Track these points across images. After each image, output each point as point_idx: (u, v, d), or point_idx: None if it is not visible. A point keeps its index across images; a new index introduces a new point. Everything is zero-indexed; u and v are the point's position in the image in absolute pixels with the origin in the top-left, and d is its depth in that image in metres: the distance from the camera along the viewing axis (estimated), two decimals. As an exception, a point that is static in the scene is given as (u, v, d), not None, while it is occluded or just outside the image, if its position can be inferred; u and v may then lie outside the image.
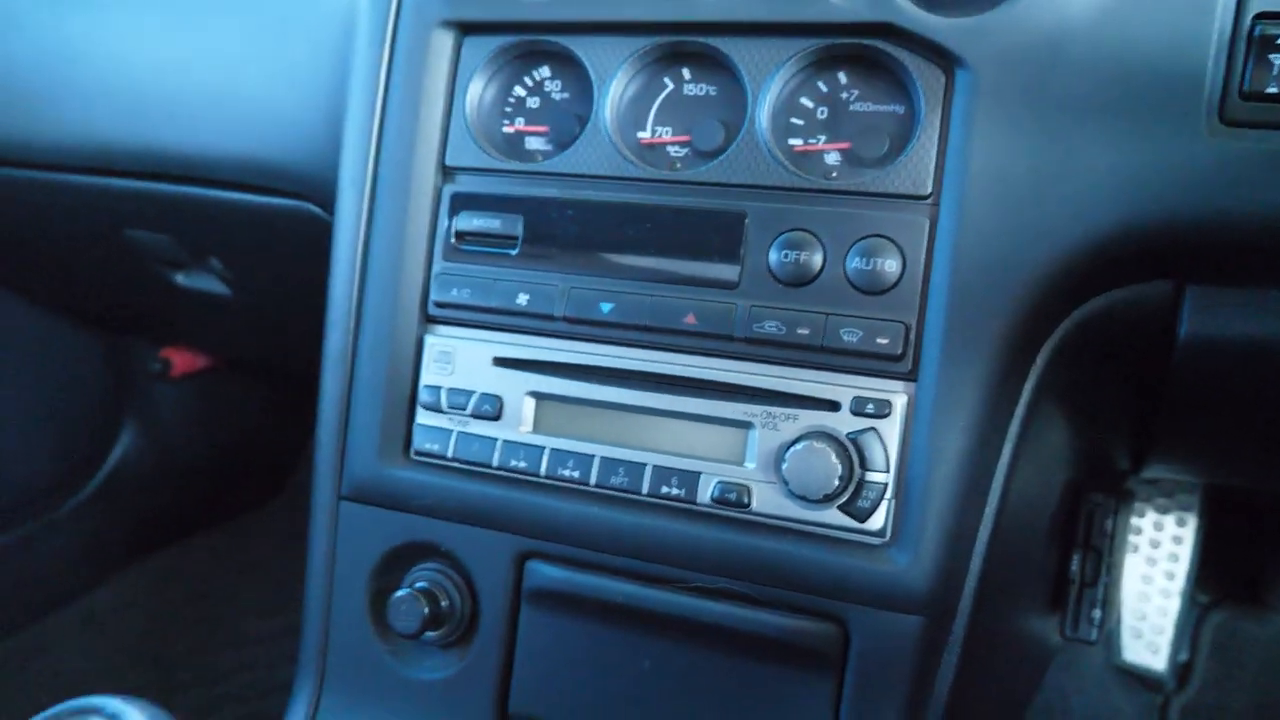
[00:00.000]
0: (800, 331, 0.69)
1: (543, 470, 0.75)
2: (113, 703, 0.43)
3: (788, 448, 0.69)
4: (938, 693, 0.70)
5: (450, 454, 0.77)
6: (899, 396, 0.68)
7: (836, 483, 0.67)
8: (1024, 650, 1.10)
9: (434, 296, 0.79)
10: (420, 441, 0.79)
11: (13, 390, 1.50)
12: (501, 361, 0.77)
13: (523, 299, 0.75)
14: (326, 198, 0.84)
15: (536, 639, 0.76)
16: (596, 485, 0.73)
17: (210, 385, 1.72)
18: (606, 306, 0.73)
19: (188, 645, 1.58)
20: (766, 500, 0.70)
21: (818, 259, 0.69)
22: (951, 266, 0.66)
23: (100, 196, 1.05)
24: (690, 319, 0.71)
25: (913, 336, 0.67)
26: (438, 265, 0.79)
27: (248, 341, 1.54)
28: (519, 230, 0.76)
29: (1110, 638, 1.30)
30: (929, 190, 0.67)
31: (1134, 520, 1.33)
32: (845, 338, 0.68)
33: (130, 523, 1.66)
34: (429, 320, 0.79)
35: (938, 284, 0.66)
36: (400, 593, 0.77)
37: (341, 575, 0.81)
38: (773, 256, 0.69)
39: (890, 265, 0.67)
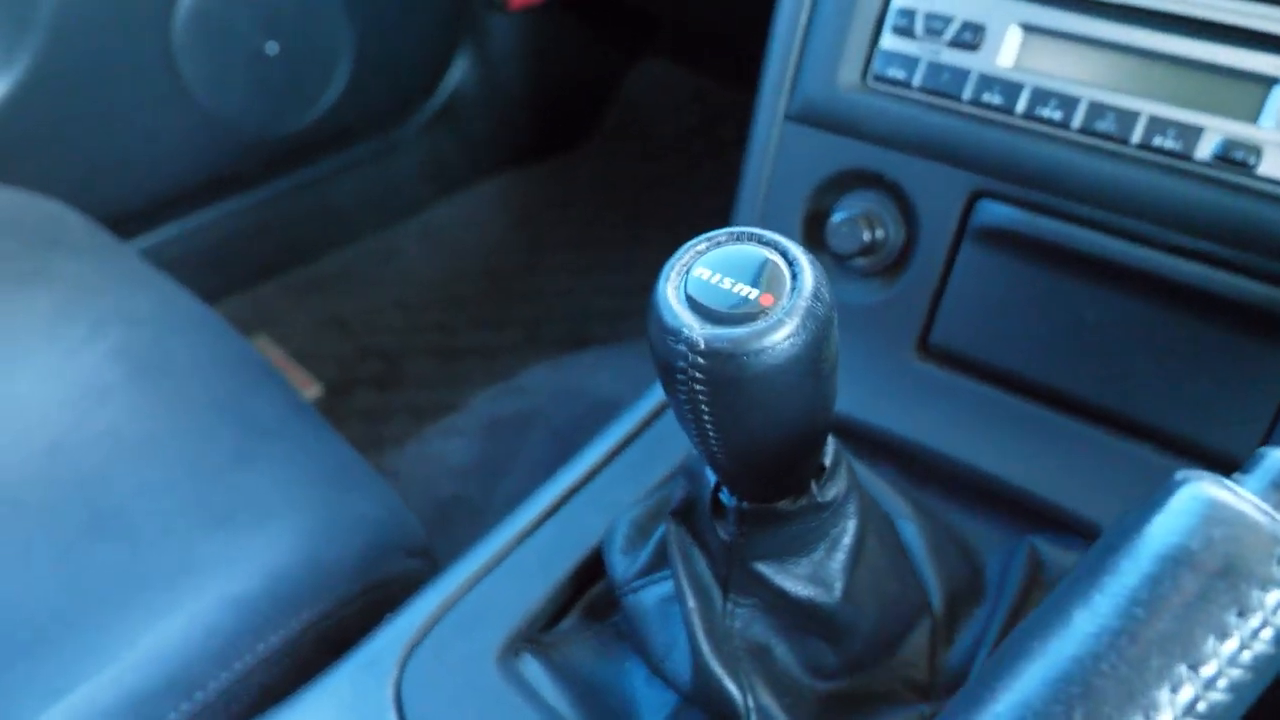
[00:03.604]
0: (1378, -24, 0.61)
1: (1019, 108, 0.72)
2: (764, 232, 0.46)
3: (1325, 108, 0.63)
4: None
5: (916, 82, 0.76)
6: None
7: (1381, 150, 0.62)
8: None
9: (924, -92, 0.74)
10: (883, 67, 0.77)
11: (365, 15, 1.57)
12: (995, -14, 0.73)
13: (1036, -85, 0.70)
14: None
15: (972, 277, 0.77)
16: (1079, 129, 0.71)
17: (542, 20, 1.74)
18: (1139, -71, 0.67)
19: (516, 264, 1.72)
20: (1278, 163, 0.66)
21: None
22: None
23: None
24: (1242, -49, 0.64)
25: None
26: (935, -128, 0.73)
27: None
28: None
29: None
30: None
31: None
32: None
33: (463, 147, 1.77)
34: (916, -66, 0.75)
35: None
36: (841, 215, 0.80)
37: (776, 195, 0.84)
38: None
39: None
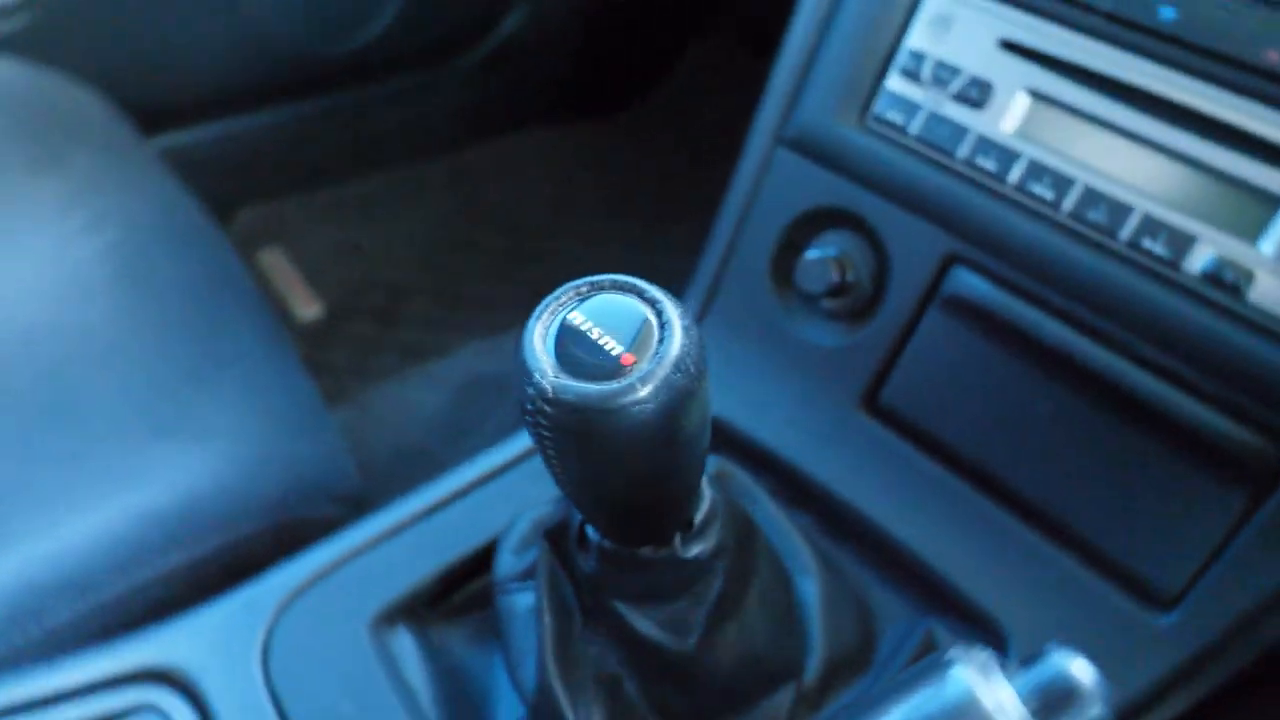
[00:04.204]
0: None
1: (1011, 179, 0.68)
2: (648, 287, 0.44)
3: (1329, 243, 0.59)
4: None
5: (913, 131, 0.72)
6: None
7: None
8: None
9: (955, -51, 0.69)
10: (883, 108, 0.73)
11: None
12: (1010, 46, 0.68)
13: (1064, -21, 0.65)
14: None
15: (933, 342, 0.74)
16: (1069, 214, 0.66)
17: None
18: (1168, 13, 0.62)
19: (537, 222, 1.70)
20: (1269, 294, 0.61)
21: None
22: None
23: None
24: (1273, 55, 0.59)
25: None
26: (974, -87, 0.68)
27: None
28: None
29: None
30: None
31: None
32: None
33: (507, 95, 1.74)
34: (939, -25, 0.71)
35: None
36: (814, 253, 0.76)
37: (755, 219, 0.81)
38: None
39: None
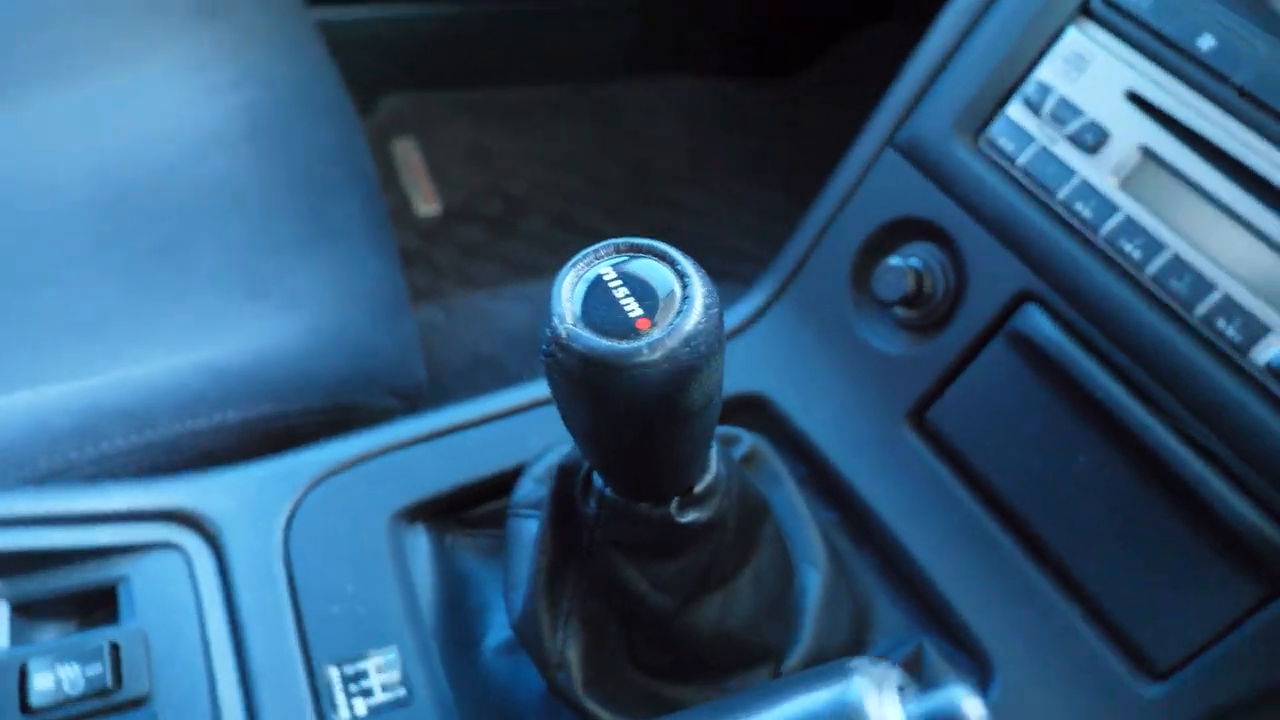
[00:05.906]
0: None
1: (1103, 231, 0.67)
2: (683, 260, 0.46)
3: None
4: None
5: (1020, 161, 0.71)
6: None
7: None
8: None
9: (1105, -14, 0.68)
10: (997, 133, 0.73)
11: None
12: (1137, 99, 0.67)
13: (1206, 42, 0.63)
14: None
15: (990, 372, 0.74)
16: (1151, 277, 0.65)
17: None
18: (1300, 101, 0.60)
19: (673, 169, 1.69)
20: (1331, 402, 0.59)
21: None
22: None
23: None
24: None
25: None
26: (1132, -45, 0.67)
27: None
28: None
29: None
30: None
31: None
32: None
33: (667, 37, 1.74)
34: (1085, 13, 0.69)
35: None
36: (896, 260, 0.77)
37: (850, 214, 0.81)
38: None
39: None
